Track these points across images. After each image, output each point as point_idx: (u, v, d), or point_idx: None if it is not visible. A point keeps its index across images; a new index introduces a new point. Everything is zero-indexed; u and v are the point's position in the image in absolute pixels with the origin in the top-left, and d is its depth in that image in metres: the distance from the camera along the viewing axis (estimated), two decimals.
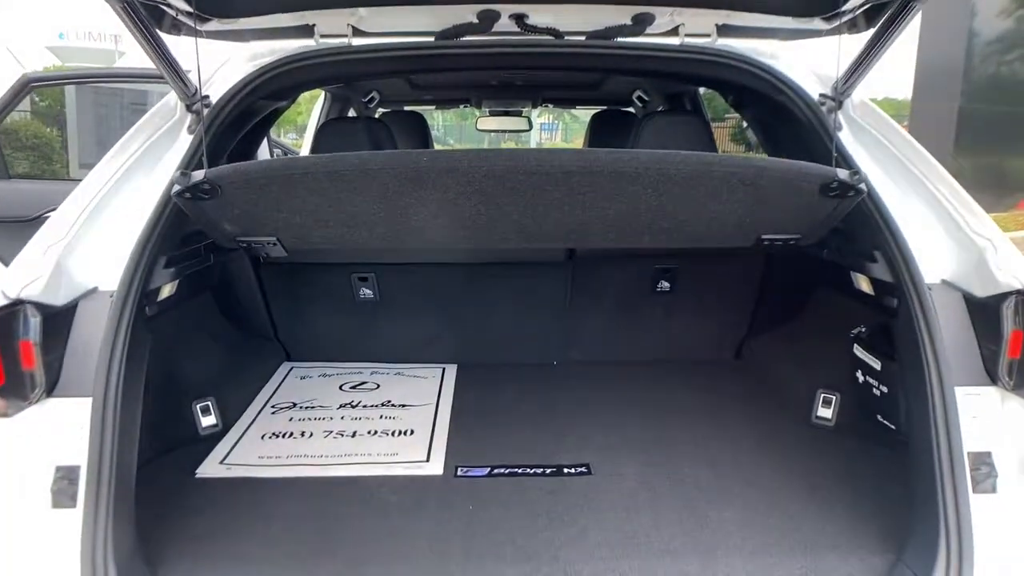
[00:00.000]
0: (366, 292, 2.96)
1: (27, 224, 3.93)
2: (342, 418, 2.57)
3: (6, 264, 3.90)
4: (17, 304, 1.56)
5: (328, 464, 2.24)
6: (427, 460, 2.26)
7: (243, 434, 2.43)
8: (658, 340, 3.09)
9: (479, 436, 2.41)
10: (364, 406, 2.68)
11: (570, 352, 3.07)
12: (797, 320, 2.89)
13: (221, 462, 2.24)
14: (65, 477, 1.56)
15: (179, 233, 1.99)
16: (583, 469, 2.19)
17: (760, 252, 2.16)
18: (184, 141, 2.05)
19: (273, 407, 2.66)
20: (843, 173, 1.79)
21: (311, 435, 2.44)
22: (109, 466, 1.57)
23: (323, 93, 4.47)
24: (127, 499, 1.64)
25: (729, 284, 3.02)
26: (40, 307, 1.60)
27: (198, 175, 1.73)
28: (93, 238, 1.82)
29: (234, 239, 2.04)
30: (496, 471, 2.19)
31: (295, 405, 2.68)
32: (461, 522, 1.92)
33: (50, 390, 1.61)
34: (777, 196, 1.87)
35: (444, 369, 3.03)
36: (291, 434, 2.44)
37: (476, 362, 3.05)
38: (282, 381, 2.90)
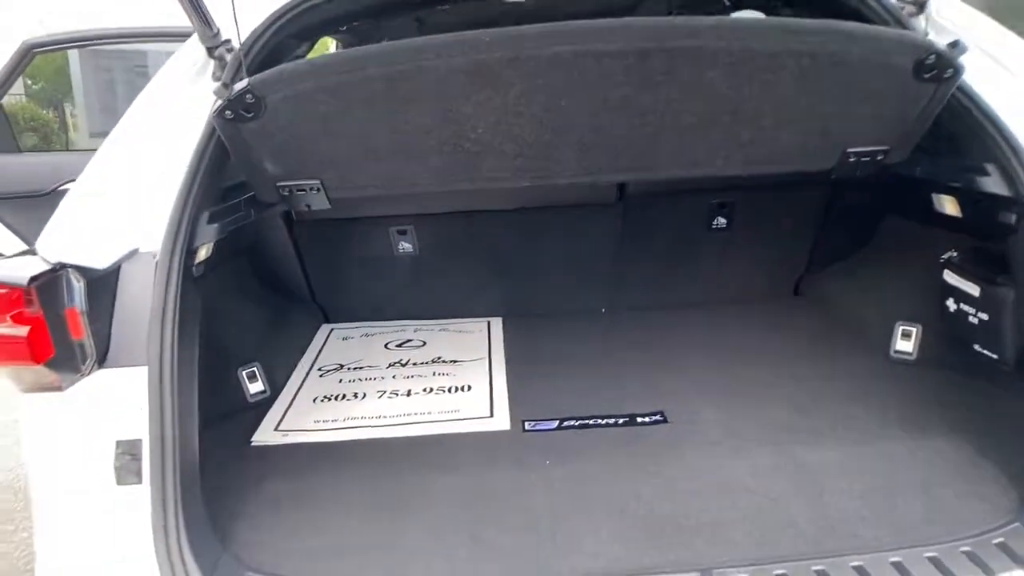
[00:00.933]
0: (405, 246, 2.82)
1: (43, 199, 3.80)
2: (393, 377, 2.46)
3: (28, 242, 3.77)
4: (58, 269, 1.43)
5: (388, 424, 2.13)
6: (491, 415, 2.15)
7: (294, 399, 2.33)
8: (714, 280, 2.94)
9: (540, 388, 2.30)
10: (414, 364, 2.56)
11: (621, 298, 2.93)
12: (864, 251, 2.73)
13: (276, 428, 2.13)
14: (127, 452, 1.44)
15: (218, 186, 1.85)
16: (658, 417, 2.08)
17: (843, 173, 1.98)
18: (209, 90, 1.89)
19: (320, 370, 2.55)
20: (940, 44, 1.61)
21: (364, 396, 2.33)
22: (172, 438, 1.46)
23: (332, 44, 4.26)
24: (193, 471, 1.54)
25: (788, 217, 2.85)
26: (82, 271, 1.47)
27: (241, 84, 1.58)
28: (126, 197, 1.68)
29: (275, 186, 1.89)
30: (566, 423, 2.08)
31: (342, 367, 2.57)
32: (539, 477, 1.82)
33: (101, 361, 1.49)
34: (867, 79, 1.69)
35: (489, 322, 2.90)
36: (343, 396, 2.33)
37: (521, 313, 2.92)
38: (324, 343, 2.79)
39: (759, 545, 1.54)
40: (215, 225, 1.76)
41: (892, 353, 2.32)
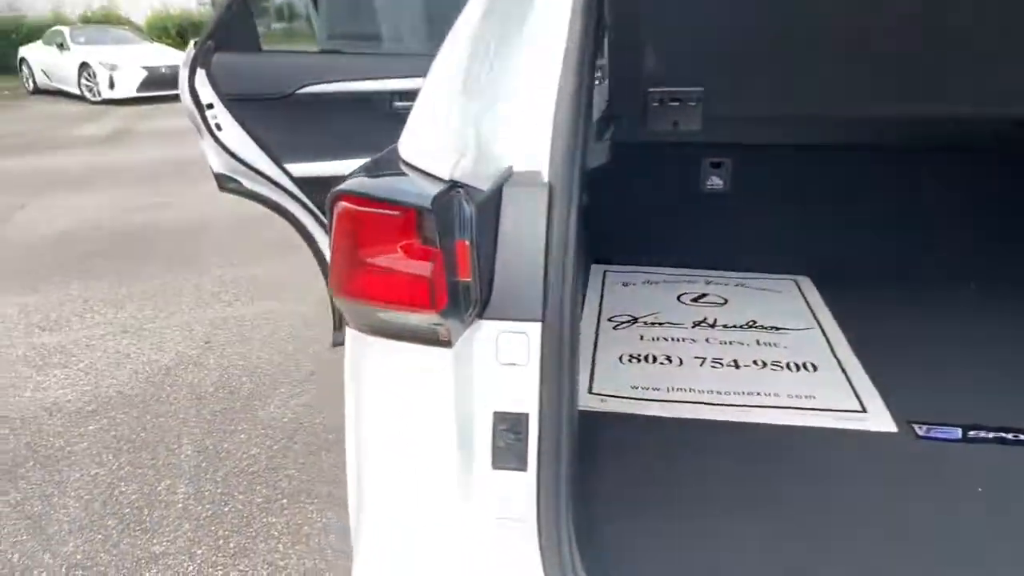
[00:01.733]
0: (715, 181, 2.36)
1: (280, 101, 3.66)
2: (706, 341, 2.05)
3: (265, 148, 3.60)
4: (453, 188, 1.09)
5: (726, 404, 1.73)
6: (863, 410, 1.69)
7: (595, 355, 1.98)
8: None
9: (914, 378, 1.80)
10: (724, 326, 2.13)
11: (988, 268, 2.30)
12: None
13: (590, 392, 1.80)
14: (510, 429, 1.13)
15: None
16: None
17: None
18: None
19: (611, 320, 2.19)
20: None
21: (681, 362, 1.94)
22: (569, 418, 1.13)
23: None
24: (575, 458, 1.21)
25: None
26: (472, 193, 1.12)
27: None
28: (489, 104, 1.32)
29: (644, 92, 1.49)
30: (973, 433, 1.59)
31: (635, 320, 2.19)
32: (973, 512, 1.36)
33: (481, 311, 1.16)
34: None
35: (797, 282, 2.41)
36: (655, 358, 1.96)
37: (836, 274, 2.39)
38: (603, 288, 2.42)
39: None
40: (602, 144, 1.38)
41: None
